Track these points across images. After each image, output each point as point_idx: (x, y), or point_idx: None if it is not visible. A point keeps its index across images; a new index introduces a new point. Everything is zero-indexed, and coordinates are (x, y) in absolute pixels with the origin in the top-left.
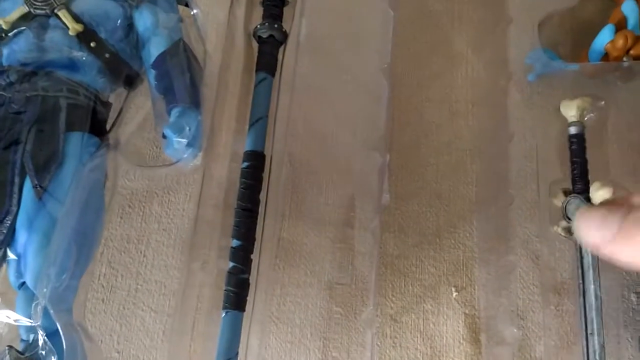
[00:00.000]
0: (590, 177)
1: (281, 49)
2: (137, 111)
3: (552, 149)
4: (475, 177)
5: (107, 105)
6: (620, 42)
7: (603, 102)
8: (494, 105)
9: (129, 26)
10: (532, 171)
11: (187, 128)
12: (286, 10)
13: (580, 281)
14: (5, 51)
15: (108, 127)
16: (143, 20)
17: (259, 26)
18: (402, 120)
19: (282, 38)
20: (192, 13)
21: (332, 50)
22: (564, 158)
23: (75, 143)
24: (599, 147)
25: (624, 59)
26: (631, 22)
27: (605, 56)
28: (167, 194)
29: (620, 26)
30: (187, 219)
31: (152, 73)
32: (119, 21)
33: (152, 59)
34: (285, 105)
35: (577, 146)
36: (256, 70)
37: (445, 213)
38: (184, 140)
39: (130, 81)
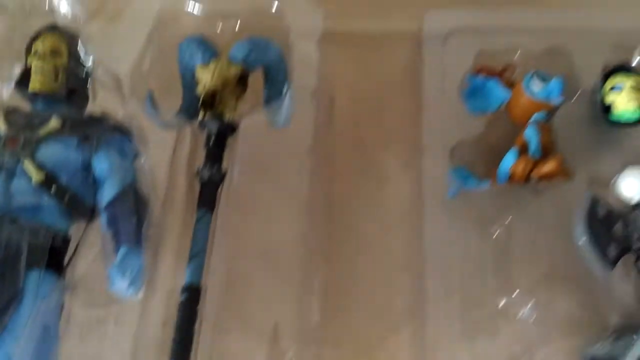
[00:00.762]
0: None
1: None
2: (92, 246)
3: (471, 261)
4: (404, 288)
5: (66, 241)
6: (520, 167)
7: (510, 217)
8: (418, 219)
9: (88, 168)
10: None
11: (130, 269)
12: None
13: None
14: None
15: (66, 260)
16: (100, 164)
17: (201, 167)
18: (339, 237)
19: (221, 179)
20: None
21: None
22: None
23: (34, 280)
24: (506, 259)
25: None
26: (532, 147)
27: (512, 176)
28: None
29: (524, 149)
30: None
31: (104, 215)
32: (78, 166)
33: (104, 202)
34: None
35: None
36: (197, 207)
37: (380, 324)
38: (126, 281)
39: (90, 216)
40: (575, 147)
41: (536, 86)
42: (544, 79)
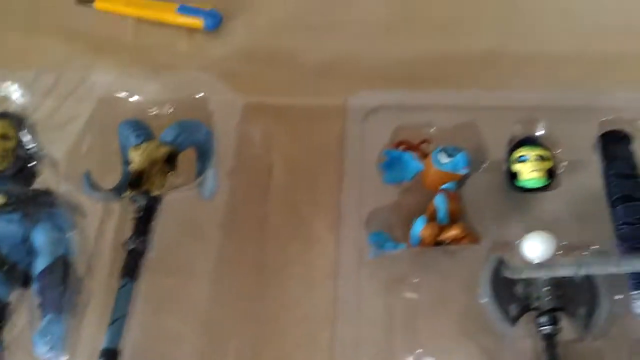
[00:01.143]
0: None
1: None
2: (26, 312)
3: (382, 319)
4: (328, 345)
5: (5, 306)
6: (427, 232)
7: (417, 280)
8: (345, 278)
9: (28, 240)
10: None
11: (51, 335)
12: None
13: None
14: None
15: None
16: (37, 237)
17: (127, 239)
18: (266, 295)
19: (145, 249)
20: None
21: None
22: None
23: None
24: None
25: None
26: (440, 213)
27: (422, 240)
28: None
29: (433, 216)
30: None
31: (35, 284)
32: (19, 239)
33: (37, 272)
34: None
35: None
36: (121, 276)
37: None
38: (47, 345)
39: (26, 283)
40: (484, 212)
41: (443, 159)
42: (450, 153)
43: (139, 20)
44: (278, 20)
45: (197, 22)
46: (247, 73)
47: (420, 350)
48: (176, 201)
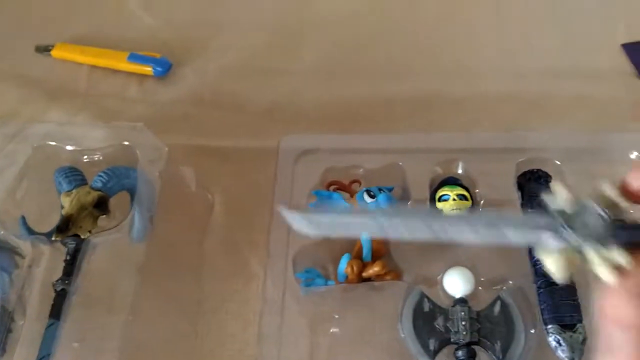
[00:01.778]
0: None
1: None
2: None
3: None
4: None
5: None
6: (349, 269)
7: (337, 316)
8: (276, 314)
9: None
10: None
11: None
12: None
13: None
14: None
15: None
16: None
17: (56, 280)
18: (203, 331)
19: (71, 290)
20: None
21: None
22: None
23: None
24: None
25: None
26: (364, 251)
27: (348, 277)
28: None
29: (359, 254)
30: None
31: None
32: None
33: None
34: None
35: None
36: (48, 316)
37: None
38: None
39: None
40: (408, 249)
41: (367, 199)
42: (374, 194)
43: (93, 68)
44: (225, 66)
45: (147, 69)
46: (194, 116)
47: None
48: (108, 243)
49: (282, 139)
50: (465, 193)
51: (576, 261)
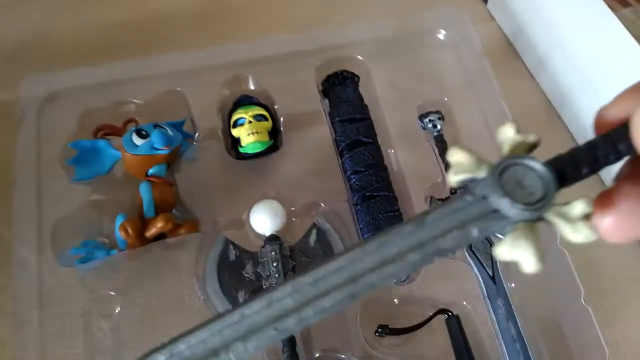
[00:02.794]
0: None
1: None
2: None
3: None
4: None
5: None
6: (124, 232)
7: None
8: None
9: None
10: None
11: None
12: None
13: None
14: None
15: None
16: None
17: None
18: None
19: None
20: None
21: None
22: None
23: None
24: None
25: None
26: (145, 205)
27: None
28: None
29: (140, 211)
30: None
31: None
32: None
33: None
34: None
35: None
36: None
37: None
38: None
39: None
40: (201, 193)
41: (138, 141)
42: (145, 133)
43: None
44: None
45: None
46: None
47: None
48: None
49: (21, 83)
50: (263, 112)
51: (538, 233)
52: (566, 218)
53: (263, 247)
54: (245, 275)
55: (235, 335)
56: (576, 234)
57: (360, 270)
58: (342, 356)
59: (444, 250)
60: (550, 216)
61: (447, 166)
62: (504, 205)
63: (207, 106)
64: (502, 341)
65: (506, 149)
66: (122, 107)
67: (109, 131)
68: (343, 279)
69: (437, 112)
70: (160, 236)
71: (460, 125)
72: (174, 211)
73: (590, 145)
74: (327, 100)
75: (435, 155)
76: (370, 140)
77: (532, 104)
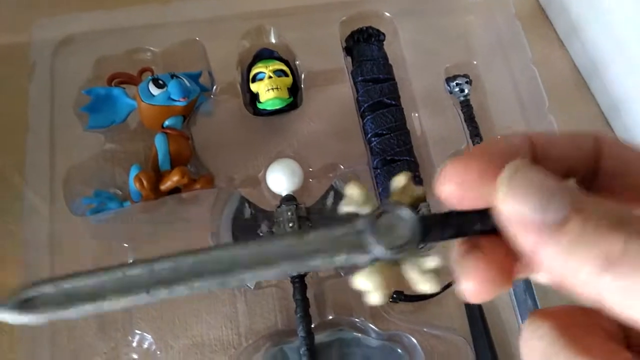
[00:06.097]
0: None
1: None
2: None
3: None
4: None
5: None
6: (139, 184)
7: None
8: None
9: None
10: None
11: None
12: None
13: None
14: None
15: None
16: None
17: None
18: None
19: None
20: None
21: None
22: None
23: None
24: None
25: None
26: (160, 157)
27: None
28: None
29: (155, 163)
30: None
31: None
32: None
33: None
34: None
35: None
36: None
37: None
38: None
39: None
40: (220, 148)
41: (154, 91)
42: (162, 82)
43: None
44: None
45: None
46: None
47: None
48: None
49: (34, 26)
50: (284, 67)
51: (397, 274)
52: (419, 267)
53: (279, 206)
54: (260, 234)
55: (112, 288)
56: (422, 285)
57: (235, 264)
58: (356, 320)
59: (312, 266)
60: (406, 262)
61: (471, 132)
62: (373, 243)
63: (225, 58)
64: (518, 313)
65: (394, 196)
66: (138, 54)
67: (124, 79)
68: (219, 267)
69: (464, 75)
70: (175, 190)
71: (489, 91)
72: (188, 165)
73: (461, 213)
74: (350, 58)
75: (461, 120)
76: (393, 102)
77: (560, 72)
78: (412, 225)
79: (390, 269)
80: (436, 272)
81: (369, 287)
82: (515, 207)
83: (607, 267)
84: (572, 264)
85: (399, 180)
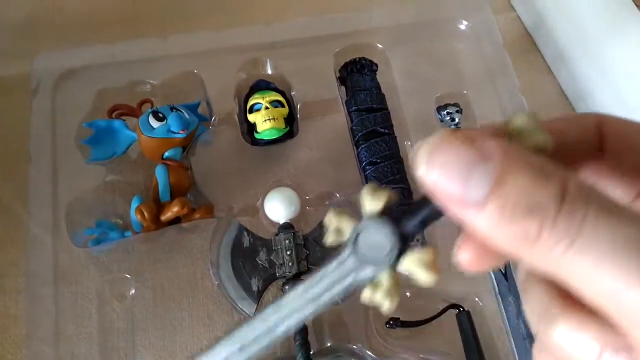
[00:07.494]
0: None
1: None
2: None
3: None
4: None
5: None
6: (140, 215)
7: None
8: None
9: None
10: None
11: None
12: None
13: None
14: None
15: None
16: None
17: None
18: None
19: None
20: None
21: None
22: None
23: None
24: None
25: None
26: (160, 188)
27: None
28: None
29: (156, 195)
30: None
31: None
32: None
33: None
34: None
35: None
36: None
37: None
38: None
39: None
40: (218, 178)
41: (155, 124)
42: (162, 116)
43: None
44: None
45: None
46: None
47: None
48: None
49: (36, 59)
50: (280, 98)
51: (392, 279)
52: (415, 263)
53: (277, 235)
54: (259, 262)
55: None
56: (423, 278)
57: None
58: (353, 347)
59: (319, 309)
60: (402, 264)
61: None
62: (361, 265)
63: (223, 90)
64: (512, 339)
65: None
66: (138, 87)
67: (125, 111)
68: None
69: (455, 104)
70: (175, 220)
71: (479, 118)
72: (188, 195)
73: (428, 202)
74: (344, 88)
75: None
76: (387, 132)
77: (548, 98)
78: (387, 234)
79: (391, 275)
80: (433, 262)
81: (376, 301)
82: (437, 180)
83: (526, 248)
84: (494, 242)
85: (366, 195)
